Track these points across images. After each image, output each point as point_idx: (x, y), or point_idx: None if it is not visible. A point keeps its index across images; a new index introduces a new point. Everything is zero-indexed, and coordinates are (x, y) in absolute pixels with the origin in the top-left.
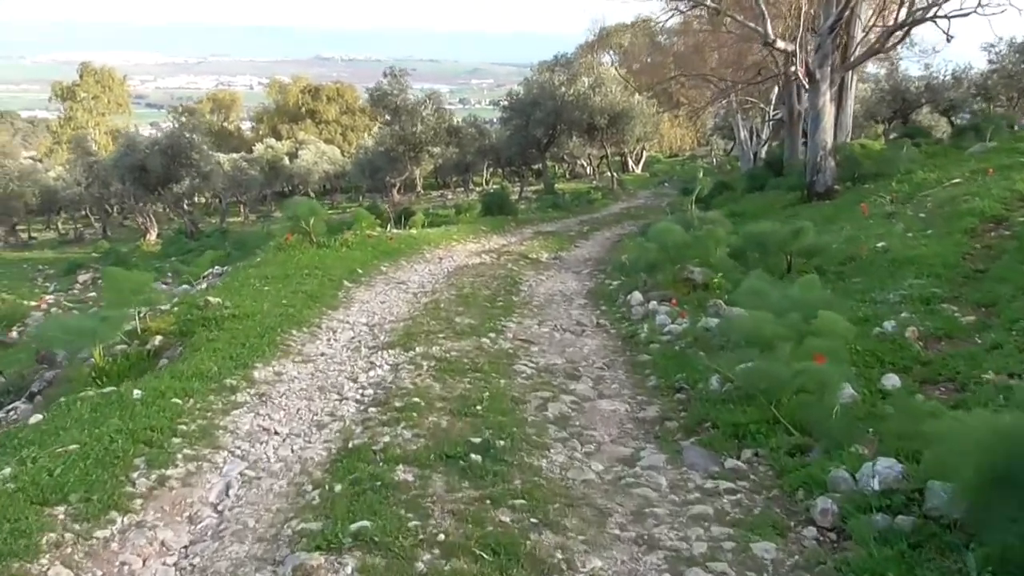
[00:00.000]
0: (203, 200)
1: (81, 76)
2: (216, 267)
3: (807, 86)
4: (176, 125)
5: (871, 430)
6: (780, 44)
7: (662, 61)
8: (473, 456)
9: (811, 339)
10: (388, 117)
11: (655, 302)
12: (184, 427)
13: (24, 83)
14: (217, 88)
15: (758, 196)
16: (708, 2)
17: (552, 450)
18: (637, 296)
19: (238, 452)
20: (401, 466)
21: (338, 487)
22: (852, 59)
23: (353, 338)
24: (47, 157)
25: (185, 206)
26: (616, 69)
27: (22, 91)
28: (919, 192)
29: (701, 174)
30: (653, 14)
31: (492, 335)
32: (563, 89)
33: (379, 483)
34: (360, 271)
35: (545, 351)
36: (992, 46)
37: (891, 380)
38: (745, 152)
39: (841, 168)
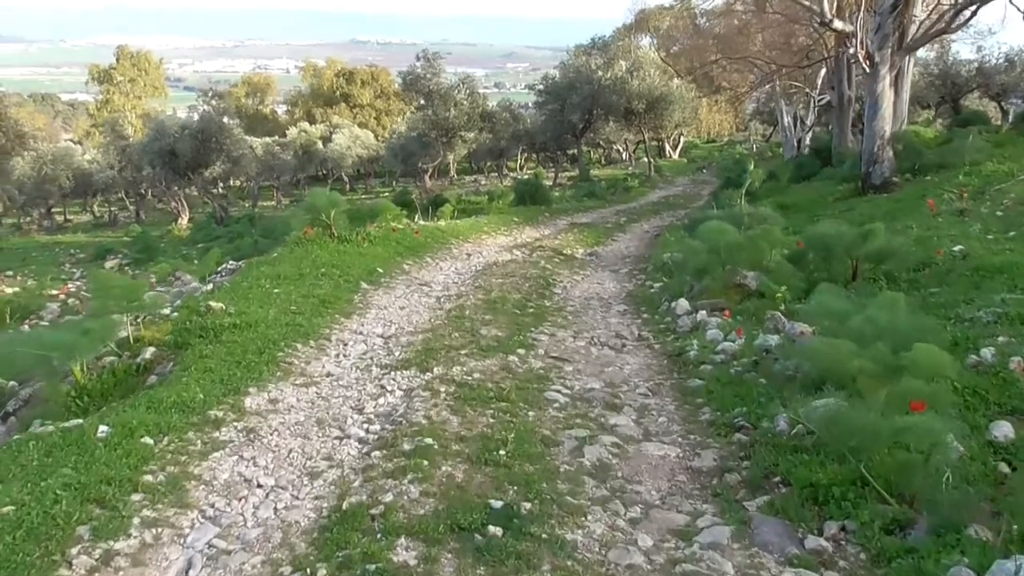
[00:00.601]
0: (237, 184)
1: (117, 59)
2: (230, 262)
3: (867, 69)
4: (206, 109)
5: (988, 501)
6: (837, 24)
7: (703, 44)
8: (492, 529)
9: (907, 379)
10: (421, 101)
11: (704, 312)
12: (150, 478)
13: (64, 66)
14: (254, 71)
15: (806, 187)
16: None
17: (589, 516)
18: (683, 304)
19: (210, 512)
20: (403, 539)
21: (322, 571)
22: (913, 41)
23: (365, 353)
24: (85, 140)
25: (216, 191)
26: (656, 52)
27: (63, 74)
28: (991, 186)
29: (752, 165)
30: None
31: (521, 351)
32: (600, 73)
33: (373, 566)
34: (380, 270)
35: (581, 371)
36: None
37: (1002, 429)
38: (788, 139)
39: (899, 159)
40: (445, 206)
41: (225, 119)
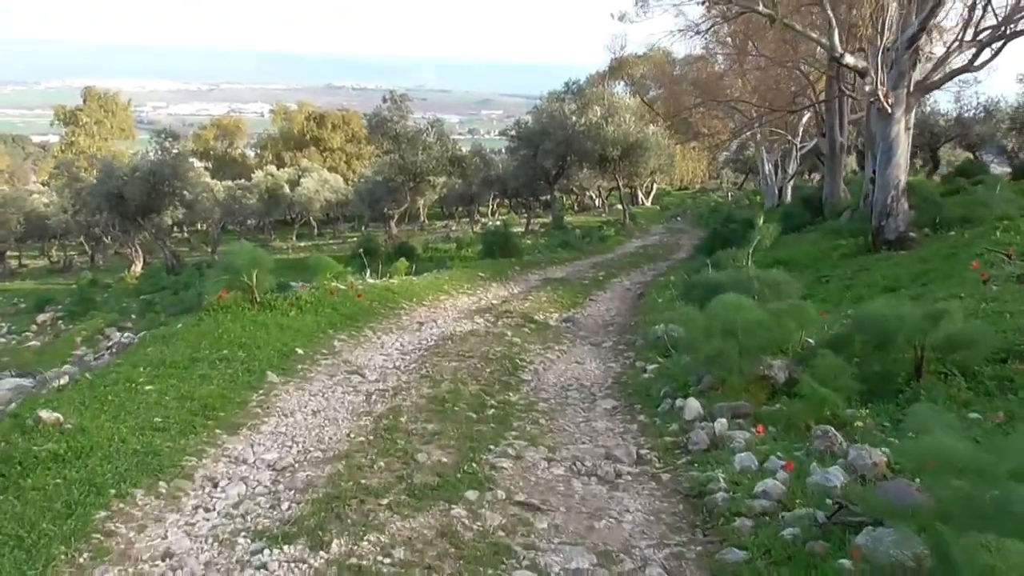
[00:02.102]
0: (202, 228)
1: (84, 100)
2: (122, 334)
3: (888, 110)
4: (158, 151)
5: None
6: (849, 60)
7: (679, 89)
8: None
9: None
10: (388, 145)
11: (724, 420)
12: None
13: (37, 108)
14: (228, 114)
15: (798, 239)
16: (761, 8)
17: None
18: (693, 405)
19: None
20: None
21: None
22: (930, 80)
23: (237, 505)
24: (52, 181)
25: (174, 236)
26: (632, 98)
27: (36, 116)
28: None
29: (761, 220)
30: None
31: (473, 493)
32: (574, 118)
33: None
34: (301, 351)
35: (560, 529)
36: None
37: None
38: (769, 187)
39: (916, 212)
40: (399, 261)
41: (192, 160)
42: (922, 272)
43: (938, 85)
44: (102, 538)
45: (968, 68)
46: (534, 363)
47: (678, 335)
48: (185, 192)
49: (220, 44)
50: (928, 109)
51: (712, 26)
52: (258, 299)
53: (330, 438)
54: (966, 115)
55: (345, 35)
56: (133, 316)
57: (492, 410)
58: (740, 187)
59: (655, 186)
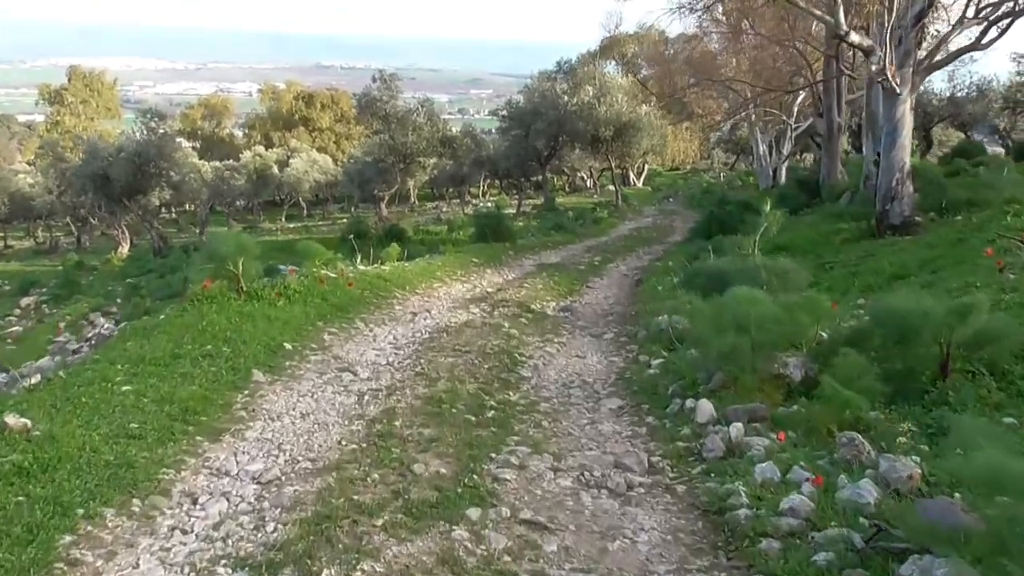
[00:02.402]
0: (191, 208)
1: (69, 80)
2: (105, 324)
3: (897, 90)
4: (144, 131)
5: None
6: (854, 38)
7: (673, 68)
8: None
9: None
10: (377, 125)
11: (739, 424)
12: None
13: (23, 87)
14: (216, 94)
15: (796, 223)
16: None
17: None
18: (705, 407)
19: None
20: None
21: None
22: (936, 59)
23: (217, 526)
24: (38, 161)
25: (161, 217)
26: (627, 77)
27: (21, 95)
28: None
29: (768, 206)
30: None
31: (475, 511)
32: (565, 98)
33: None
34: (289, 345)
35: (571, 551)
36: (1022, 57)
37: None
38: (764, 168)
39: (921, 195)
40: (391, 247)
41: (180, 141)
42: (930, 259)
43: (944, 64)
44: (65, 569)
45: (975, 47)
46: (533, 357)
47: (683, 327)
48: (172, 173)
49: (208, 23)
50: (922, 88)
51: (712, 2)
52: (245, 288)
53: (320, 446)
54: (959, 95)
55: (334, 15)
56: (118, 300)
57: (492, 412)
58: (731, 168)
59: (646, 167)
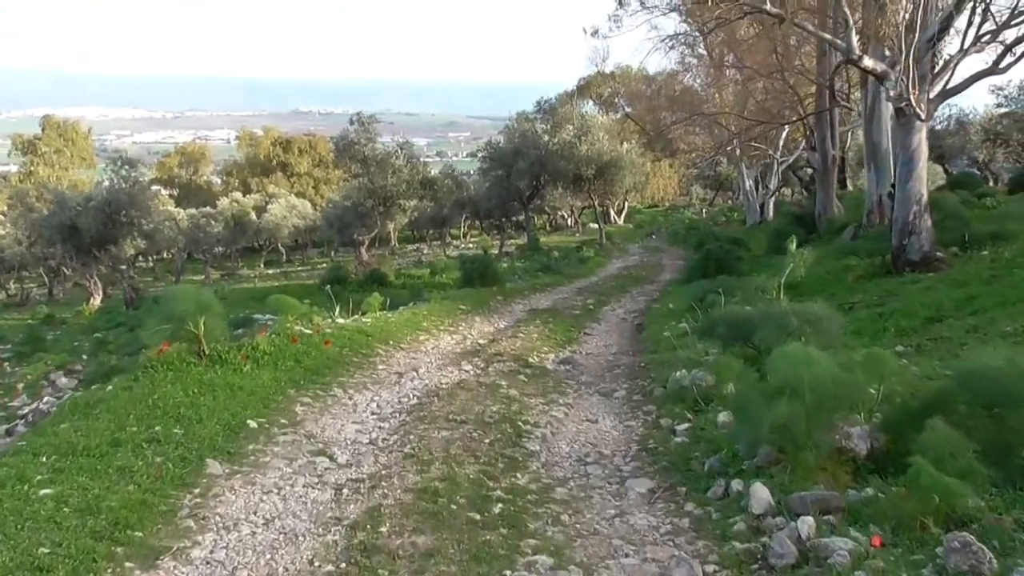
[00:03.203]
0: (168, 256)
1: (43, 129)
2: (67, 384)
3: (923, 115)
4: (114, 179)
5: None
6: (868, 62)
7: (654, 105)
8: None
9: None
10: (356, 168)
11: (809, 519)
12: None
13: None
14: (194, 141)
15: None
16: (768, 7)
17: None
18: (762, 495)
19: None
20: None
21: None
22: (949, 85)
23: None
24: (8, 212)
25: (131, 267)
26: (609, 116)
27: None
28: None
29: (793, 244)
30: (655, 50)
31: None
32: (547, 138)
33: None
34: (254, 423)
35: None
36: (1001, 89)
37: None
38: (751, 203)
39: (939, 228)
40: (372, 297)
41: (157, 188)
42: (967, 299)
43: (960, 90)
44: None
45: (992, 71)
46: (539, 425)
47: (707, 384)
48: (143, 222)
49: (186, 72)
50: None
51: (706, 32)
52: (207, 352)
53: (286, 569)
54: (938, 127)
55: (310, 60)
56: (84, 357)
57: (499, 504)
58: (711, 204)
59: (626, 204)
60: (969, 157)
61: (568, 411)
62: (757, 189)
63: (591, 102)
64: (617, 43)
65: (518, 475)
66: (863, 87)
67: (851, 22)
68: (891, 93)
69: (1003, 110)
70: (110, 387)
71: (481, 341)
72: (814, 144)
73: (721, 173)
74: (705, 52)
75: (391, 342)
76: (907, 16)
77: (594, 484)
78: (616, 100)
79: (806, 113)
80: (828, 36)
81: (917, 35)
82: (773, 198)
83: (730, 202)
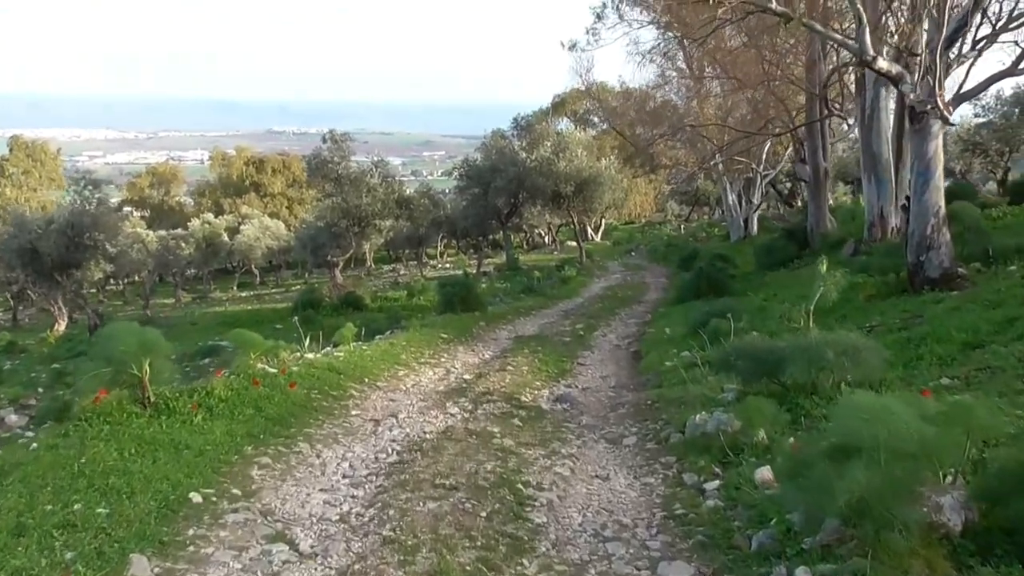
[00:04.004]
0: (139, 279)
1: (11, 150)
2: (17, 422)
3: (949, 118)
4: (77, 200)
5: None
6: (882, 64)
7: (633, 119)
8: None
9: None
10: (329, 188)
11: None
12: None
13: None
14: (167, 162)
15: (792, 277)
16: (774, 5)
17: None
18: None
19: None
20: None
21: None
22: (964, 89)
23: None
24: None
25: (101, 291)
26: (587, 132)
27: None
28: None
29: (823, 267)
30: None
31: None
32: (524, 155)
33: None
34: (199, 496)
35: None
36: (978, 99)
37: None
38: (735, 219)
39: (958, 242)
40: (345, 328)
41: (129, 210)
42: (1006, 321)
43: (975, 93)
44: None
45: (1011, 72)
46: (543, 487)
47: (734, 429)
48: (108, 245)
49: (159, 93)
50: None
51: (680, 48)
52: (151, 399)
53: None
54: None
55: (285, 82)
56: (40, 390)
57: None
58: (687, 220)
59: (604, 221)
60: (946, 168)
61: (574, 465)
62: (740, 204)
63: (566, 119)
64: (597, 56)
65: (525, 562)
66: (858, 95)
67: (865, 20)
68: (910, 96)
69: (981, 120)
70: (34, 445)
71: (467, 376)
72: (803, 156)
73: (698, 189)
74: (685, 65)
75: (366, 380)
76: (931, 12)
77: (619, 571)
78: (591, 117)
79: (796, 124)
80: (839, 36)
81: (944, 31)
82: (757, 212)
83: (706, 217)
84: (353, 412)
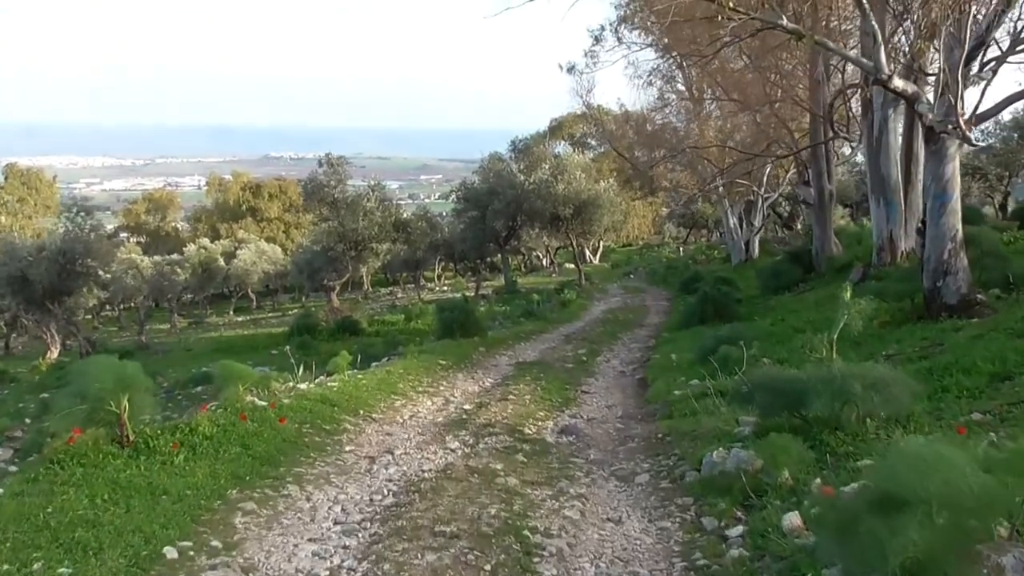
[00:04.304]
0: (134, 305)
1: (6, 178)
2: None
3: (972, 138)
4: (69, 228)
5: None
6: (898, 84)
7: (632, 142)
8: None
9: None
10: (326, 212)
11: None
12: None
13: None
14: (164, 188)
15: (797, 301)
16: (785, 23)
17: None
18: None
19: None
20: None
21: None
22: (979, 109)
23: None
24: None
25: (96, 317)
26: (585, 155)
27: None
28: None
29: (847, 293)
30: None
31: None
32: (522, 177)
33: None
34: (175, 551)
35: None
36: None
37: None
38: (736, 242)
39: (976, 268)
40: (340, 357)
41: (124, 235)
42: None
43: (993, 113)
44: None
45: None
46: (552, 534)
47: (754, 468)
48: (100, 272)
49: (156, 120)
50: (860, 157)
51: (680, 70)
52: (130, 438)
53: None
54: None
55: (282, 107)
56: (28, 420)
57: None
58: (684, 242)
59: (602, 244)
60: None
61: (583, 507)
62: (741, 227)
63: (563, 142)
64: (595, 79)
65: None
66: (864, 117)
67: (880, 38)
68: (928, 116)
69: (981, 144)
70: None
71: (467, 406)
72: (807, 179)
73: (696, 211)
74: (684, 88)
75: (361, 412)
76: (951, 29)
77: None
78: (588, 140)
79: (801, 147)
80: (852, 55)
81: (965, 50)
82: (758, 235)
83: (704, 240)
84: (347, 448)
